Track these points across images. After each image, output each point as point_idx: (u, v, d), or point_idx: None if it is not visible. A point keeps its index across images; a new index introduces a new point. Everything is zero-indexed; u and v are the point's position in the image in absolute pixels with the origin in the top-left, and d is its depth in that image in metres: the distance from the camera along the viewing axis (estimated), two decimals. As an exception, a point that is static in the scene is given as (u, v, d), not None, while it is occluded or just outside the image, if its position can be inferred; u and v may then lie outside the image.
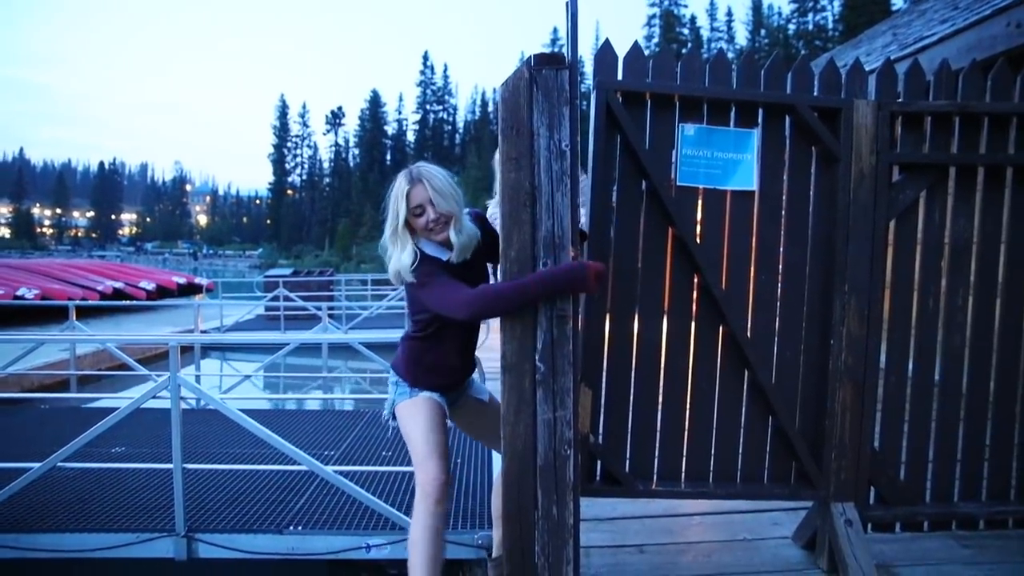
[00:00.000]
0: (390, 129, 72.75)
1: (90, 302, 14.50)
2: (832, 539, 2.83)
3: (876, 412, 2.92)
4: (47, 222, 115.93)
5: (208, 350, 11.10)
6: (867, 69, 2.90)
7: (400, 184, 2.25)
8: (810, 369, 2.89)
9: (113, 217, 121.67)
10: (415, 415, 2.37)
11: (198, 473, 4.32)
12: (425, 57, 72.98)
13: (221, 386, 8.37)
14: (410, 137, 72.11)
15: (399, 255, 2.25)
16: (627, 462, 2.83)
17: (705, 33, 57.53)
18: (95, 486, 4.26)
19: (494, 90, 70.70)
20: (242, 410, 3.89)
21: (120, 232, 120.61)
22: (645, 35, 54.61)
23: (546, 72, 2.07)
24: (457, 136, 72.80)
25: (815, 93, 2.81)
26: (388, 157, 69.73)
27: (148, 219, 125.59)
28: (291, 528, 3.65)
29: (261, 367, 8.09)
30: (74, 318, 7.05)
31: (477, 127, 67.91)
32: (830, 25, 46.95)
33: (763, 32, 53.52)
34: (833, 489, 2.85)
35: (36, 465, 3.59)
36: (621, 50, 2.71)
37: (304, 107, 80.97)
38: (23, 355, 6.78)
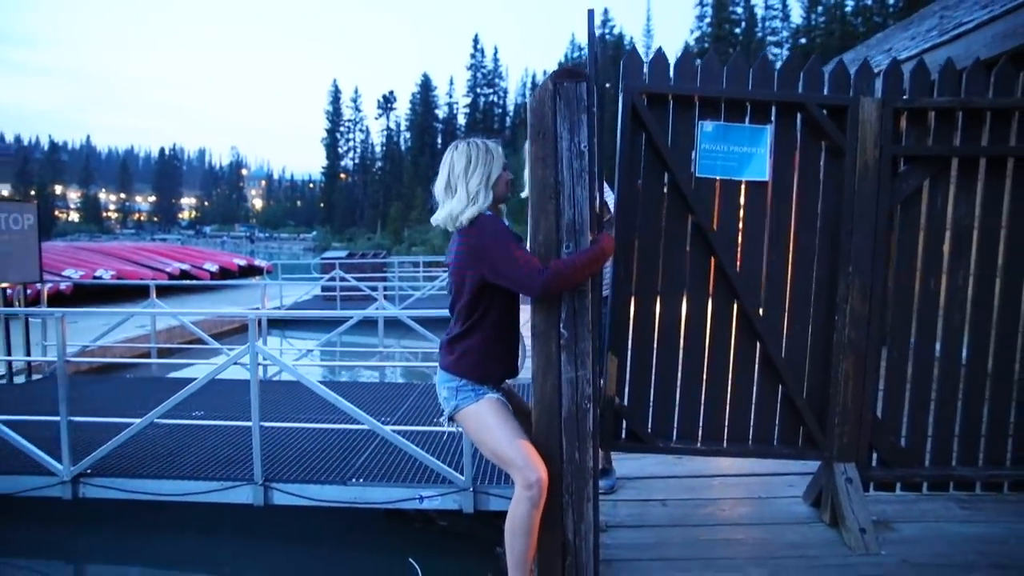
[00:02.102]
0: (441, 113, 73.17)
1: (164, 282, 15.39)
2: (834, 495, 3.14)
3: (879, 383, 3.20)
4: (112, 206, 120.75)
5: (268, 327, 11.86)
6: (907, 55, 3.13)
7: (493, 147, 2.44)
8: (817, 343, 3.19)
9: (173, 201, 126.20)
10: (486, 420, 2.39)
11: (271, 432, 4.85)
12: (475, 40, 73.14)
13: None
14: (461, 120, 72.44)
15: (477, 203, 2.34)
16: (649, 422, 3.19)
17: (759, 11, 56.13)
18: (181, 443, 4.83)
19: (544, 72, 70.37)
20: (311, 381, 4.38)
21: (180, 216, 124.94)
22: (697, 14, 53.55)
23: (567, 84, 2.42)
24: (507, 119, 72.87)
25: (825, 92, 3.09)
26: (439, 141, 70.25)
27: (206, 203, 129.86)
28: (354, 480, 4.13)
29: (320, 343, 8.67)
30: (154, 296, 7.73)
31: (527, 110, 67.71)
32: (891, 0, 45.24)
33: (819, 9, 51.88)
34: (836, 450, 3.16)
35: (136, 421, 4.15)
36: (646, 53, 3.05)
37: (356, 92, 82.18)
38: (110, 329, 7.49)
